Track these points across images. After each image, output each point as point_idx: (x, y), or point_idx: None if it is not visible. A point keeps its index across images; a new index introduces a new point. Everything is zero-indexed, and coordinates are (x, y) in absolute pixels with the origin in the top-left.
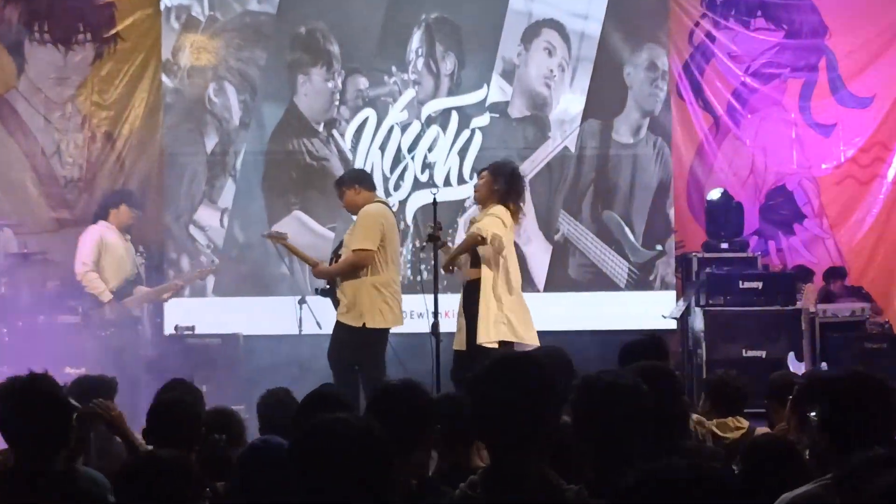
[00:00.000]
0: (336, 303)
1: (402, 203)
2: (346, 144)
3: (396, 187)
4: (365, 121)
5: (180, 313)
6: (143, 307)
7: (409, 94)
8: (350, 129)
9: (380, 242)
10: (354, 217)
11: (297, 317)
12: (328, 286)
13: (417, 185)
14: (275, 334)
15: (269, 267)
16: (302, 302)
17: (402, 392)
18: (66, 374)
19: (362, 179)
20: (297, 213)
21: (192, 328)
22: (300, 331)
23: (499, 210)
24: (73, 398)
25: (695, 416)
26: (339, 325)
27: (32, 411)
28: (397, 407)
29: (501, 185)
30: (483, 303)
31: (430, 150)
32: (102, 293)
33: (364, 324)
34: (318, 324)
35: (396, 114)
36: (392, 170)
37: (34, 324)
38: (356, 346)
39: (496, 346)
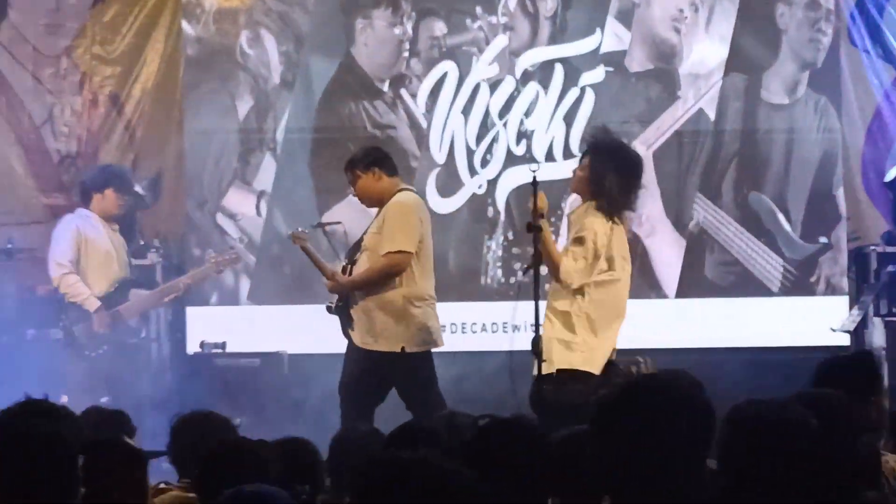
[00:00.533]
0: (347, 322)
1: (492, 183)
2: (419, 108)
3: (484, 163)
4: (443, 77)
5: (207, 326)
6: (149, 315)
7: (500, 42)
8: (424, 89)
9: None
10: (370, 209)
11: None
12: (339, 302)
13: (511, 159)
14: (328, 353)
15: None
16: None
17: (511, 429)
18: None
19: (383, 161)
20: (353, 197)
21: (223, 345)
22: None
23: (598, 219)
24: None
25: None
26: (361, 352)
27: (26, 454)
28: (503, 449)
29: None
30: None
31: (527, 114)
32: (87, 300)
33: (403, 348)
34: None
35: (483, 68)
36: (478, 140)
37: (21, 340)
38: (390, 376)
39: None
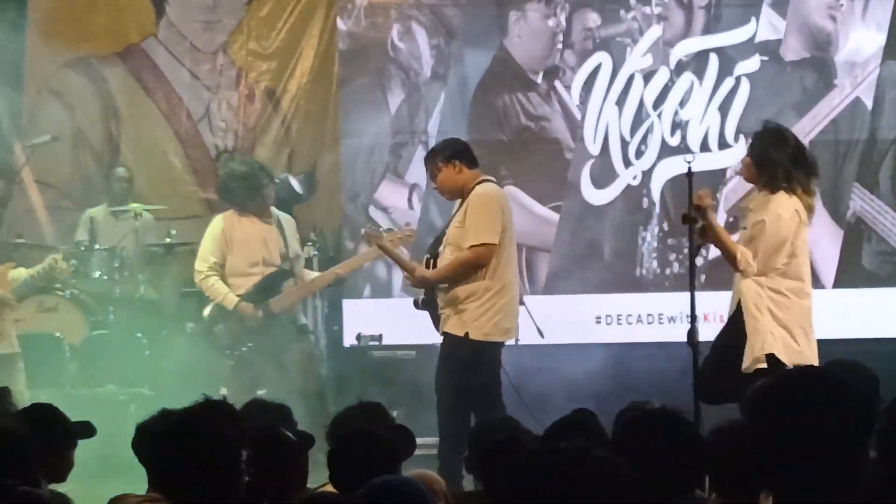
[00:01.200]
0: (436, 317)
1: (647, 174)
2: (573, 99)
3: (639, 154)
4: (597, 68)
5: (362, 318)
6: (306, 308)
7: (654, 32)
8: (578, 80)
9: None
10: (452, 201)
11: None
12: (425, 296)
13: (666, 150)
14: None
15: None
16: (519, 303)
17: (666, 419)
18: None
19: (464, 153)
20: (510, 188)
21: (380, 337)
22: (516, 340)
23: (781, 204)
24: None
25: None
26: (445, 338)
27: (194, 450)
28: (655, 440)
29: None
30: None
31: (681, 104)
32: (225, 298)
33: (467, 333)
34: (539, 331)
35: (637, 59)
36: (633, 132)
37: (179, 334)
38: (461, 362)
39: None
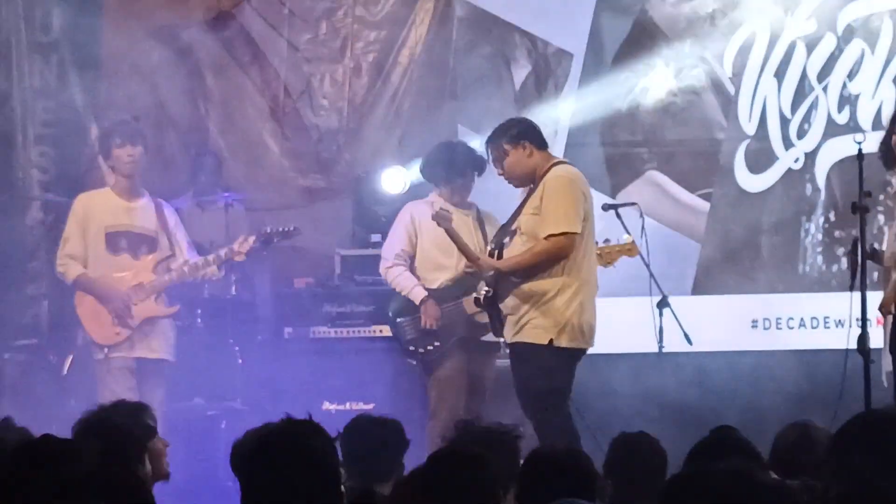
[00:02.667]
0: (496, 315)
1: (810, 156)
2: (726, 71)
3: (801, 134)
4: (751, 36)
5: None
6: None
7: None
8: (730, 49)
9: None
10: (517, 187)
11: (655, 327)
12: (488, 293)
13: (833, 128)
14: (620, 352)
15: None
16: (662, 305)
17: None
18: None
19: (532, 133)
20: (652, 173)
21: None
22: (660, 347)
23: None
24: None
25: None
26: (516, 348)
27: (286, 470)
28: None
29: None
30: None
31: (850, 76)
32: (412, 291)
33: (551, 340)
34: (686, 337)
35: (799, 23)
36: (794, 108)
37: (278, 339)
38: (543, 369)
39: None
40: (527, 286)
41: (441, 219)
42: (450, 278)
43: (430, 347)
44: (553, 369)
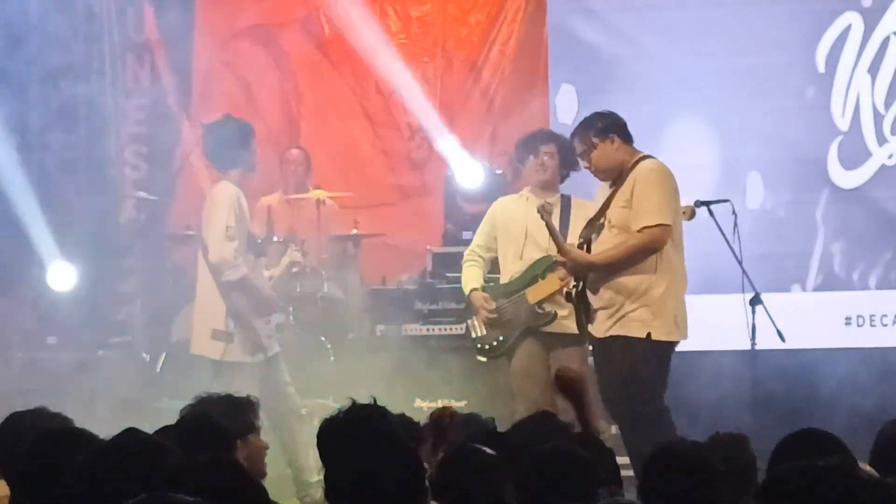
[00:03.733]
0: (584, 310)
1: None
2: (819, 66)
3: (895, 129)
4: (846, 30)
5: None
6: None
7: None
8: (824, 44)
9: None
10: (603, 181)
11: (747, 323)
12: (577, 287)
13: None
14: (712, 350)
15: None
16: (755, 302)
17: None
18: (419, 409)
19: (620, 126)
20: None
21: None
22: (753, 344)
23: None
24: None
25: None
26: (607, 343)
27: (367, 451)
28: None
29: None
30: None
31: None
32: (464, 287)
33: (649, 334)
34: (779, 334)
35: (893, 19)
36: (888, 104)
37: (370, 336)
38: (643, 364)
39: None
40: (620, 280)
41: (544, 212)
42: (518, 269)
43: (494, 343)
44: (652, 362)
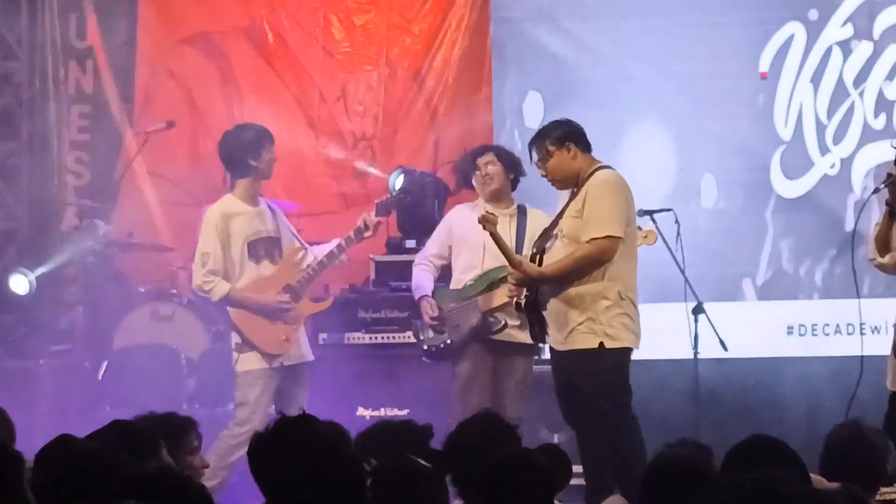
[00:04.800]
0: (537, 322)
1: (846, 162)
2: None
3: (837, 139)
4: (788, 40)
5: None
6: None
7: None
8: (767, 53)
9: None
10: (559, 189)
11: (690, 333)
12: (529, 297)
13: (869, 135)
14: (653, 358)
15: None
16: (698, 311)
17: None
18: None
19: (578, 135)
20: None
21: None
22: (695, 353)
23: None
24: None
25: None
26: (562, 356)
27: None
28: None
29: None
30: None
31: (889, 79)
32: (415, 291)
33: (601, 343)
34: (721, 343)
35: (835, 30)
36: (830, 114)
37: (312, 345)
38: (599, 375)
39: None
40: (569, 291)
41: (486, 222)
42: (472, 277)
43: (441, 345)
44: (608, 371)
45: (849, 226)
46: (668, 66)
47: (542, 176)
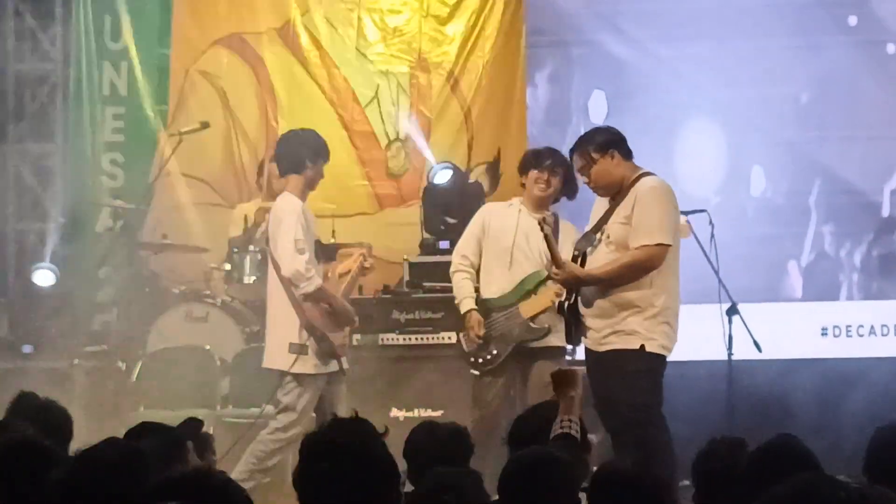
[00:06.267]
0: (574, 324)
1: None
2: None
3: None
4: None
5: None
6: None
7: None
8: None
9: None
10: (602, 196)
11: (724, 334)
12: (569, 299)
13: None
14: (687, 360)
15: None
16: (732, 312)
17: None
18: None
19: (620, 142)
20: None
21: (573, 352)
22: (729, 355)
23: None
24: None
25: None
26: (603, 356)
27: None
28: None
29: None
30: None
31: None
32: (462, 301)
33: (643, 346)
34: (756, 344)
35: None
36: None
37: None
38: (638, 377)
39: None
40: (616, 294)
41: (545, 224)
42: (509, 284)
43: (488, 357)
44: (645, 373)
45: (885, 212)
46: (719, 67)
47: (585, 183)
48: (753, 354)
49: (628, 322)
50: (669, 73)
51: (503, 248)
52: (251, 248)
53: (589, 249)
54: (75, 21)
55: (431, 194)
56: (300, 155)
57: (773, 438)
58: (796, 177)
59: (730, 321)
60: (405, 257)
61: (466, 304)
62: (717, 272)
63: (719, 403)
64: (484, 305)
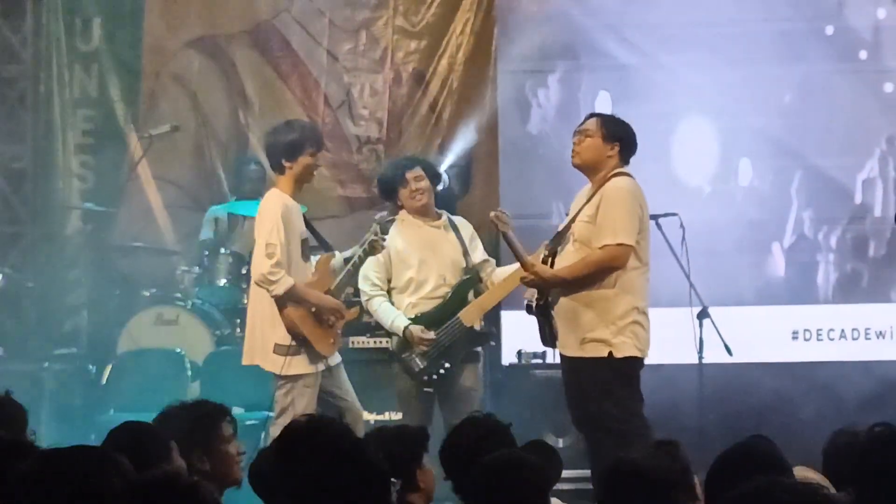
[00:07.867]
0: (547, 325)
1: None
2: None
3: None
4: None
5: (524, 333)
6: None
7: None
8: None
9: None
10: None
11: (695, 337)
12: (540, 300)
13: None
14: (660, 363)
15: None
16: (703, 316)
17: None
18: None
19: (627, 142)
20: None
21: (543, 355)
22: (700, 358)
23: None
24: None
25: None
26: (573, 363)
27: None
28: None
29: None
30: None
31: None
32: (392, 325)
33: (610, 353)
34: (726, 348)
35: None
36: None
37: None
38: (608, 385)
39: None
40: (580, 296)
41: (500, 221)
42: (436, 296)
43: (442, 371)
44: (617, 380)
45: (857, 199)
46: (712, 72)
47: (573, 143)
48: (724, 358)
49: (591, 328)
50: (668, 76)
51: (414, 265)
52: (222, 250)
53: (560, 248)
54: (46, 23)
55: None
56: (279, 150)
57: (745, 439)
58: (780, 168)
59: (700, 325)
60: None
61: (400, 321)
62: (688, 276)
63: (691, 405)
64: (422, 322)
